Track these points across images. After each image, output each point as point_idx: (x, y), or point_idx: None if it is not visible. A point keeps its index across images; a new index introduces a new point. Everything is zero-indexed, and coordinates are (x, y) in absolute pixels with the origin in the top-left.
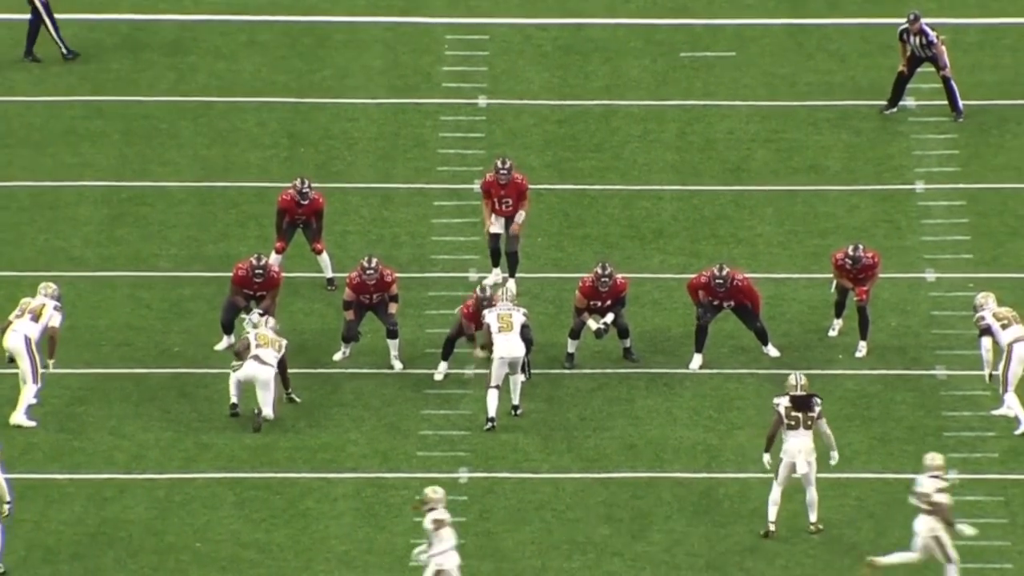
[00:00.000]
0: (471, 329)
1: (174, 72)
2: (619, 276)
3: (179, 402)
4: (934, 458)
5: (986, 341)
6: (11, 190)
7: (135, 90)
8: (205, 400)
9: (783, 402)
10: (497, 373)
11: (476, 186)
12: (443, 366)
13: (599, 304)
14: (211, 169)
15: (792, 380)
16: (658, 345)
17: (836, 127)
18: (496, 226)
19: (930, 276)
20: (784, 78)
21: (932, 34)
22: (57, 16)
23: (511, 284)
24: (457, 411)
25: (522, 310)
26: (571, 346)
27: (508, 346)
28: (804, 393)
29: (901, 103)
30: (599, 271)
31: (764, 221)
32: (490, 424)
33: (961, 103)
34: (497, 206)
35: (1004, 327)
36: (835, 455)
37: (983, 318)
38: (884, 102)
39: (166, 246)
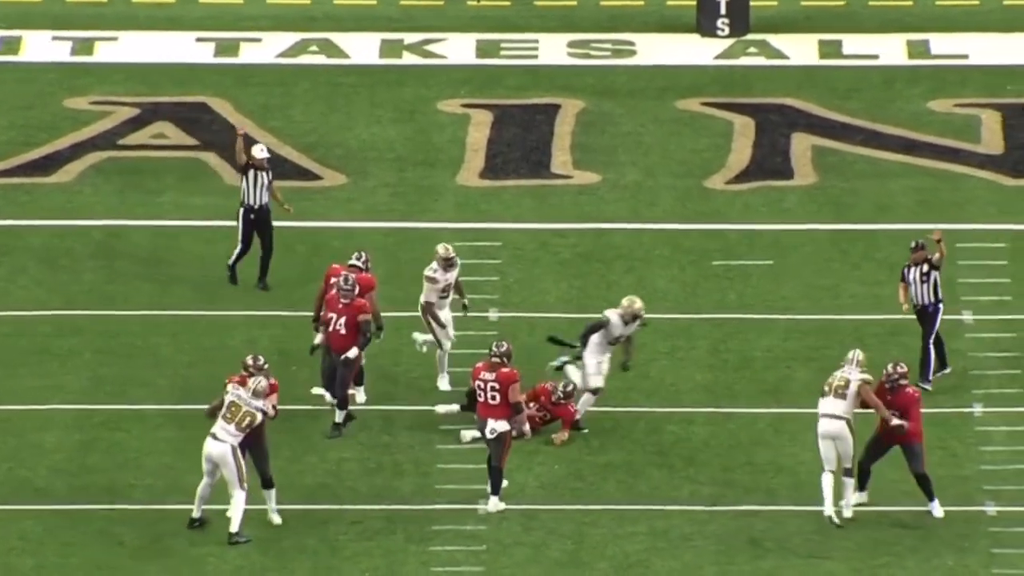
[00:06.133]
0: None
1: (151, 283)
2: None
3: None
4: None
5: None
6: None
7: (110, 304)
8: None
9: None
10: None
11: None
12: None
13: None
14: (192, 390)
15: None
16: None
17: (885, 343)
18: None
19: (990, 509)
20: (827, 289)
21: None
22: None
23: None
24: None
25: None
26: None
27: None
28: None
29: None
30: None
31: (806, 448)
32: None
33: None
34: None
35: (822, 395)
36: None
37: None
38: None
39: (142, 475)
